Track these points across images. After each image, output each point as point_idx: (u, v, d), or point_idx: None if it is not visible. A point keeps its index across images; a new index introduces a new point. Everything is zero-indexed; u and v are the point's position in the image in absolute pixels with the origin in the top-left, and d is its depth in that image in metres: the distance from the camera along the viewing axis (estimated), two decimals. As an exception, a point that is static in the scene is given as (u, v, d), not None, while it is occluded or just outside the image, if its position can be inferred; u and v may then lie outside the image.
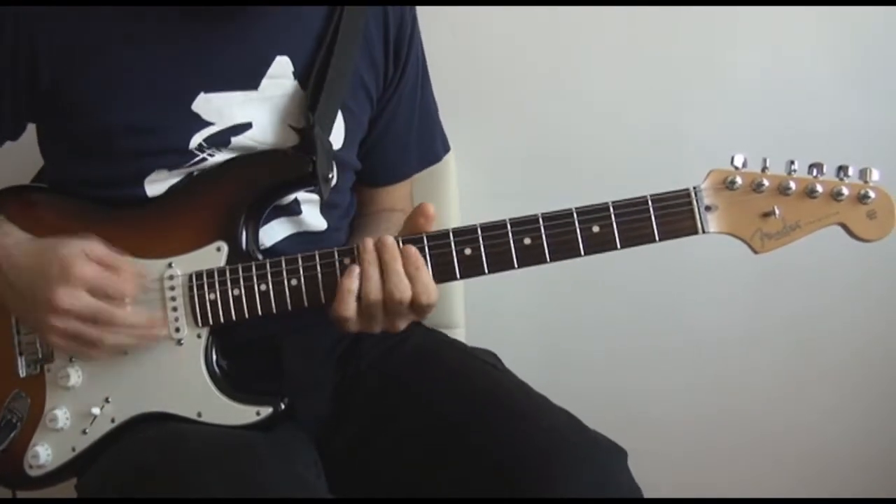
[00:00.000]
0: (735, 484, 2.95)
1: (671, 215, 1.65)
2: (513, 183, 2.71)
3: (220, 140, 1.84)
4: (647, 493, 1.72)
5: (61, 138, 1.88)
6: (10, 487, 1.88)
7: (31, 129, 1.94)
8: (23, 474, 1.83)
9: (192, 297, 1.78)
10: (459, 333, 2.54)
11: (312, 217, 1.96)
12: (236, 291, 1.76)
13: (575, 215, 1.67)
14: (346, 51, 1.89)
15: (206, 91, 1.81)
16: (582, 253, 1.67)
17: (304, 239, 1.96)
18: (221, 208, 1.82)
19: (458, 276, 1.71)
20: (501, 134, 2.72)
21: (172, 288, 1.79)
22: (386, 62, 2.01)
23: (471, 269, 1.70)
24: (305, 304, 1.75)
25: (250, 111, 1.85)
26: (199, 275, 1.78)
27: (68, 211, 1.88)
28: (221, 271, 1.77)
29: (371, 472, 1.90)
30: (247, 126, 1.85)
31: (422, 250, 1.70)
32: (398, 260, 1.68)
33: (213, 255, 1.79)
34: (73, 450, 1.80)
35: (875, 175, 1.62)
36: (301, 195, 1.92)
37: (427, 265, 1.70)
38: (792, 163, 1.64)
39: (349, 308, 1.70)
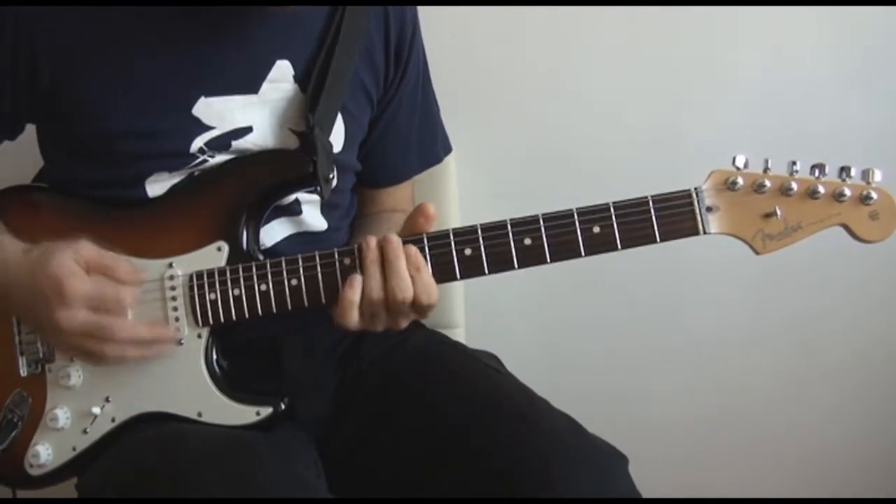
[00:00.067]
0: (735, 484, 2.95)
1: (672, 216, 1.65)
2: (513, 183, 2.71)
3: (221, 144, 1.84)
4: (647, 494, 1.72)
5: (62, 140, 1.88)
6: (11, 486, 1.88)
7: (32, 129, 1.93)
8: (23, 473, 1.82)
9: (192, 297, 1.77)
10: (459, 333, 2.54)
11: (313, 217, 1.96)
12: (237, 291, 1.76)
13: (576, 216, 1.66)
14: (346, 52, 1.88)
15: (207, 95, 1.81)
16: (582, 253, 1.67)
17: (304, 239, 1.96)
18: (222, 208, 1.81)
19: (458, 276, 1.70)
20: (501, 134, 2.72)
21: (173, 288, 1.78)
22: (387, 64, 2.01)
23: (471, 269, 1.70)
24: (306, 303, 1.74)
25: (250, 115, 1.85)
26: (199, 275, 1.78)
27: (69, 211, 1.87)
28: (222, 271, 1.77)
29: (371, 472, 1.90)
30: (247, 130, 1.85)
31: (422, 250, 1.70)
32: (401, 259, 1.68)
33: (214, 255, 1.79)
34: (74, 449, 1.80)
35: (877, 176, 1.62)
36: (302, 195, 1.92)
37: (427, 265, 1.70)
38: (794, 163, 1.64)
39: (352, 306, 1.70)
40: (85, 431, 1.80)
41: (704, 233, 1.65)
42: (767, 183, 1.63)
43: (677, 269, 2.75)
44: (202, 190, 1.84)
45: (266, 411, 1.78)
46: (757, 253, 1.66)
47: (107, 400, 1.80)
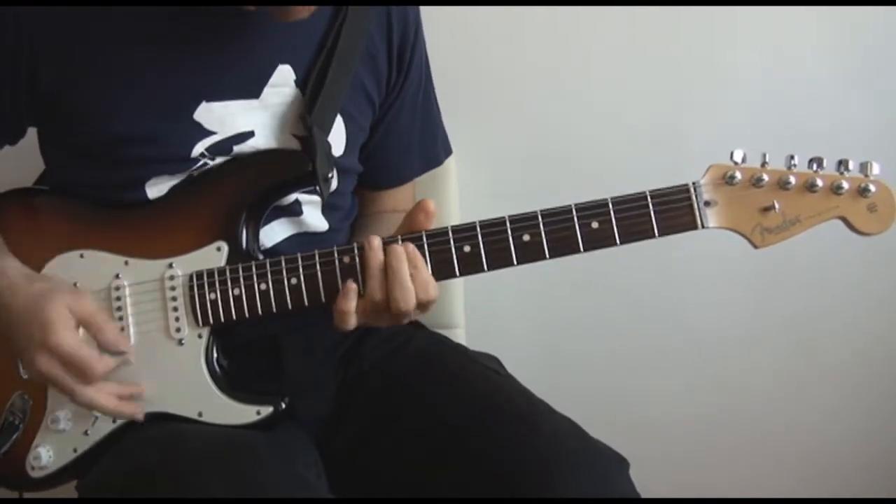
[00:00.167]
0: (735, 484, 2.95)
1: (670, 211, 1.65)
2: (513, 183, 2.71)
3: (223, 149, 1.84)
4: (647, 494, 1.72)
5: (62, 144, 1.88)
6: (12, 489, 1.88)
7: (33, 133, 1.94)
8: (24, 476, 1.82)
9: (192, 297, 1.78)
10: (459, 334, 2.54)
11: (313, 218, 1.96)
12: (236, 291, 1.76)
13: (574, 211, 1.66)
14: (347, 53, 1.88)
15: (208, 100, 1.81)
16: (581, 249, 1.67)
17: (304, 240, 1.96)
18: (222, 208, 1.82)
19: (457, 273, 1.70)
20: (501, 134, 2.72)
21: (173, 288, 1.79)
22: (389, 67, 2.00)
23: (470, 266, 1.70)
24: (306, 303, 1.74)
25: (252, 120, 1.85)
26: (199, 274, 1.78)
27: (70, 213, 1.87)
28: (222, 271, 1.77)
29: (371, 473, 1.89)
30: (249, 135, 1.85)
31: (421, 248, 1.70)
32: (405, 266, 1.68)
33: (214, 255, 1.79)
34: (75, 451, 1.80)
35: (875, 168, 1.62)
36: (302, 196, 1.92)
37: (427, 263, 1.70)
38: (792, 157, 1.63)
39: (348, 315, 1.71)
40: (86, 433, 1.80)
41: (703, 227, 1.65)
42: (765, 177, 1.63)
43: (677, 269, 2.75)
44: (202, 190, 1.84)
45: (266, 410, 1.77)
46: (755, 247, 1.65)
47: (108, 401, 1.79)
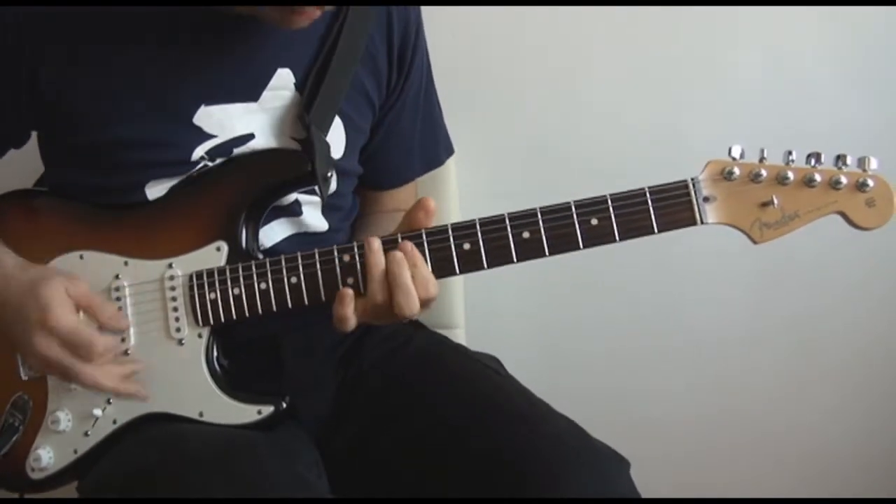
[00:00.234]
0: (735, 484, 2.95)
1: (669, 207, 1.64)
2: (512, 182, 2.72)
3: (223, 151, 1.84)
4: (647, 494, 1.71)
5: (62, 148, 1.88)
6: (13, 490, 1.88)
7: (33, 135, 1.94)
8: (25, 477, 1.82)
9: (192, 297, 1.78)
10: (459, 334, 2.55)
11: (313, 218, 1.96)
12: (236, 290, 1.76)
13: (573, 208, 1.66)
14: (346, 54, 1.88)
15: (207, 104, 1.81)
16: (581, 246, 1.67)
17: (304, 240, 1.95)
18: (221, 208, 1.81)
19: (457, 270, 1.70)
20: (501, 134, 2.72)
21: (173, 288, 1.79)
22: (389, 69, 2.00)
23: (470, 263, 1.70)
24: (306, 302, 1.74)
25: (251, 122, 1.85)
26: (199, 274, 1.78)
27: (69, 214, 1.88)
28: (221, 270, 1.77)
29: (371, 472, 1.89)
30: (249, 137, 1.85)
31: (421, 246, 1.70)
32: (406, 273, 1.68)
33: (214, 255, 1.79)
34: (76, 452, 1.80)
35: (873, 163, 1.62)
36: (302, 196, 1.92)
37: (427, 261, 1.70)
38: (790, 153, 1.63)
39: (347, 320, 1.71)
40: (86, 434, 1.80)
41: (702, 223, 1.65)
42: (764, 172, 1.62)
43: (677, 268, 2.76)
44: (201, 190, 1.84)
45: (267, 410, 1.78)
46: (755, 242, 1.65)
47: (108, 402, 1.80)
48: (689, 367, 2.86)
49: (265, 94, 1.85)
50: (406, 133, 2.12)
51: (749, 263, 2.68)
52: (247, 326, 1.79)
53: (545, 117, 2.70)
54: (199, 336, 1.79)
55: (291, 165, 1.83)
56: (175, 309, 1.79)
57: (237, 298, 1.76)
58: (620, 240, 1.66)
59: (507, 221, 1.68)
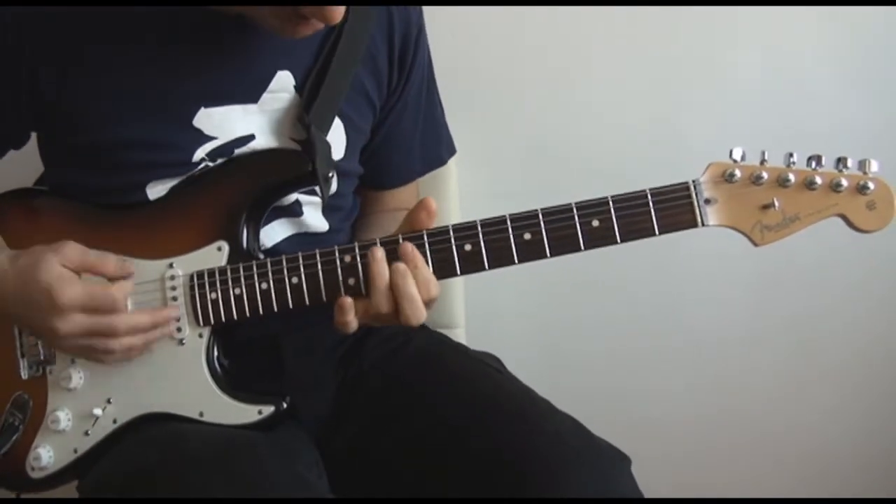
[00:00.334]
0: (735, 484, 2.95)
1: (671, 209, 1.64)
2: (513, 182, 2.71)
3: (224, 153, 1.84)
4: (648, 494, 1.71)
5: (62, 148, 1.88)
6: (12, 490, 1.88)
7: (33, 134, 1.94)
8: (25, 476, 1.82)
9: (193, 297, 1.78)
10: (460, 334, 2.55)
11: (314, 218, 1.96)
12: (237, 290, 1.76)
13: (574, 210, 1.66)
14: (347, 54, 1.88)
15: (207, 105, 1.81)
16: (582, 247, 1.66)
17: (305, 240, 1.95)
18: (222, 208, 1.81)
19: (458, 272, 1.70)
20: (501, 134, 2.72)
21: (174, 288, 1.79)
22: (390, 70, 2.00)
23: (471, 264, 1.70)
24: (307, 302, 1.74)
25: (251, 123, 1.85)
26: (200, 274, 1.78)
27: (69, 214, 1.88)
28: (222, 270, 1.77)
29: (371, 472, 1.89)
30: (249, 138, 1.85)
31: (422, 247, 1.69)
32: (412, 283, 1.68)
33: (214, 255, 1.79)
34: (76, 451, 1.80)
35: (874, 166, 1.62)
36: (302, 197, 1.92)
37: (428, 262, 1.69)
38: (791, 155, 1.63)
39: (349, 326, 1.72)
40: (86, 433, 1.80)
41: (703, 225, 1.64)
42: (765, 174, 1.62)
43: (677, 268, 2.76)
44: (202, 190, 1.83)
45: (268, 410, 1.77)
46: (755, 244, 1.65)
47: (108, 401, 1.80)
48: (689, 367, 2.86)
49: (265, 96, 1.84)
50: (407, 133, 2.12)
51: (749, 263, 2.68)
52: (247, 326, 1.79)
53: (545, 117, 2.70)
54: (200, 336, 1.79)
55: (292, 165, 1.83)
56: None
57: (238, 298, 1.76)
58: (622, 241, 1.66)
59: (509, 223, 1.68)
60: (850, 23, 2.60)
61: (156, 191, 1.84)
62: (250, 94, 1.84)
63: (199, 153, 1.82)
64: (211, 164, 1.83)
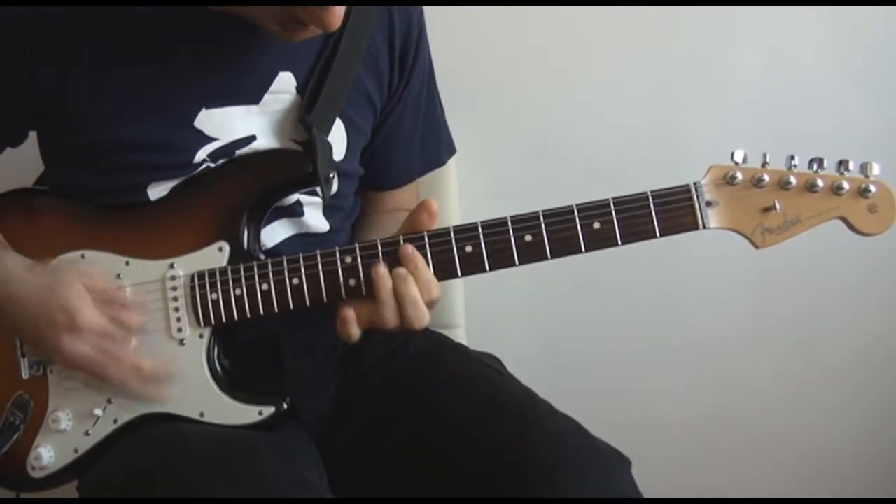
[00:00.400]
0: (735, 484, 2.95)
1: (672, 211, 1.64)
2: (513, 182, 2.72)
3: (225, 154, 1.84)
4: (647, 494, 1.71)
5: (62, 148, 1.88)
6: (13, 489, 1.88)
7: (32, 134, 1.93)
8: (25, 476, 1.82)
9: (193, 298, 1.77)
10: (460, 334, 2.55)
11: (315, 219, 1.96)
12: (238, 291, 1.76)
13: (576, 212, 1.66)
14: (348, 55, 1.88)
15: (208, 107, 1.81)
16: (583, 249, 1.66)
17: (305, 240, 1.95)
18: (223, 209, 1.81)
19: (459, 273, 1.70)
20: (501, 134, 2.72)
21: (174, 288, 1.79)
22: (391, 70, 2.00)
23: (472, 266, 1.70)
24: (307, 303, 1.74)
25: (253, 124, 1.85)
26: (200, 275, 1.78)
27: (70, 214, 1.87)
28: (223, 271, 1.77)
29: (371, 472, 1.89)
30: (250, 139, 1.85)
31: (423, 248, 1.69)
32: (415, 290, 1.68)
33: (215, 256, 1.79)
34: (76, 451, 1.80)
35: (875, 169, 1.62)
36: (303, 197, 1.91)
37: (428, 263, 1.69)
38: (792, 158, 1.64)
39: (353, 337, 1.73)
40: (87, 433, 1.80)
41: (704, 227, 1.65)
42: (766, 177, 1.63)
43: (677, 268, 2.76)
44: (203, 191, 1.83)
45: (269, 411, 1.77)
46: (756, 247, 1.65)
47: (108, 401, 1.79)
48: (689, 367, 2.86)
49: (266, 97, 1.84)
50: (408, 134, 2.12)
51: (749, 264, 2.68)
52: (248, 327, 1.78)
53: (545, 117, 2.70)
54: (201, 336, 1.79)
55: (293, 166, 1.82)
56: (176, 309, 1.79)
57: (239, 299, 1.76)
58: (622, 243, 1.66)
59: (510, 224, 1.68)
60: (850, 23, 2.60)
61: (157, 191, 1.83)
62: (252, 95, 1.83)
63: (201, 154, 1.82)
64: (212, 164, 1.83)
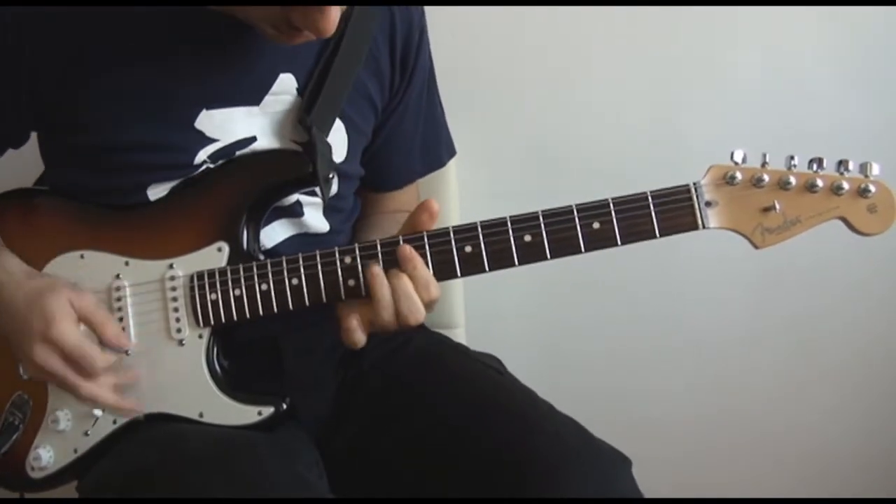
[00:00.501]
0: (735, 484, 2.95)
1: (671, 211, 1.64)
2: (513, 183, 2.72)
3: (225, 155, 1.83)
4: (647, 494, 1.71)
5: (62, 148, 1.87)
6: (12, 489, 1.88)
7: (33, 134, 1.93)
8: (24, 476, 1.82)
9: (193, 298, 1.77)
10: (460, 334, 2.55)
11: (315, 219, 1.95)
12: (237, 291, 1.75)
13: (575, 212, 1.66)
14: (349, 55, 1.88)
15: (209, 108, 1.80)
16: (582, 249, 1.66)
17: (305, 241, 1.95)
18: (222, 209, 1.81)
19: (458, 273, 1.70)
20: (501, 134, 2.72)
21: (174, 289, 1.79)
22: (392, 71, 2.00)
23: (472, 266, 1.70)
24: (307, 303, 1.74)
25: (253, 125, 1.85)
26: (200, 275, 1.78)
27: (70, 213, 1.87)
28: (223, 271, 1.77)
29: (371, 472, 1.89)
30: (251, 140, 1.84)
31: (422, 248, 1.70)
32: (411, 287, 1.68)
33: (215, 256, 1.79)
34: (75, 451, 1.80)
35: (875, 169, 1.62)
36: (303, 197, 1.91)
37: (428, 263, 1.70)
38: (792, 158, 1.64)
39: (358, 344, 1.74)
40: (86, 433, 1.79)
41: (704, 227, 1.65)
42: (766, 177, 1.63)
43: (677, 269, 2.76)
44: (202, 191, 1.83)
45: (268, 411, 1.77)
46: (756, 247, 1.65)
47: (108, 402, 1.79)
48: (689, 367, 2.86)
49: (267, 98, 1.84)
50: (408, 135, 2.12)
51: (748, 264, 2.68)
52: (247, 327, 1.78)
53: (545, 117, 2.70)
54: (200, 337, 1.79)
55: (292, 166, 1.82)
56: (176, 309, 1.79)
57: (238, 299, 1.76)
58: (622, 244, 1.66)
59: (509, 224, 1.68)
60: (850, 23, 2.60)
61: (157, 192, 1.83)
62: (252, 96, 1.83)
63: (202, 155, 1.82)
64: (212, 165, 1.83)
